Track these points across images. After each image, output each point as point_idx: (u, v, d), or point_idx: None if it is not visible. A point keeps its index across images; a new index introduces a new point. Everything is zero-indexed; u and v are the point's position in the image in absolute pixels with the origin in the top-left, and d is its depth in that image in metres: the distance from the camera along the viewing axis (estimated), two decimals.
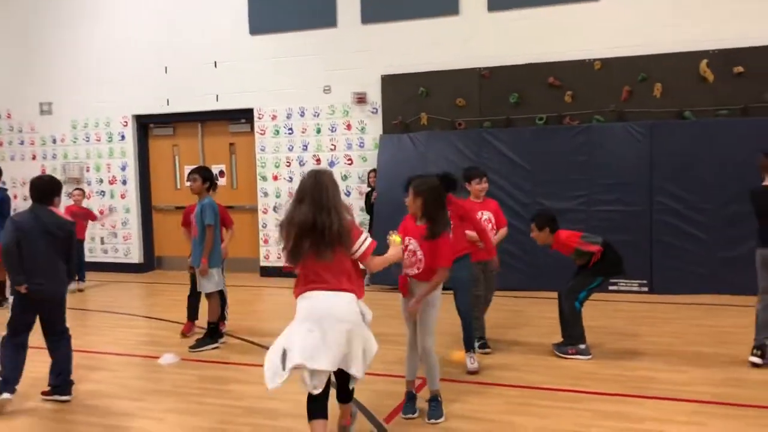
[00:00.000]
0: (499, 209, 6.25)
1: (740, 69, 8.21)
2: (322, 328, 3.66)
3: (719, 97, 8.32)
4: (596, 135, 8.67)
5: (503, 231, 6.22)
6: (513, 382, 5.15)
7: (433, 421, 4.43)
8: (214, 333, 6.46)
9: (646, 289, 8.36)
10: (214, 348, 6.35)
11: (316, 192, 3.74)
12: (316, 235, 3.69)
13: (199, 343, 6.36)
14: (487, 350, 5.97)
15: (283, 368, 3.66)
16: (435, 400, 4.54)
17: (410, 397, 4.64)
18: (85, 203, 10.34)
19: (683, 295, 8.05)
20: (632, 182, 8.47)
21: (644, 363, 5.51)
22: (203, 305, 6.65)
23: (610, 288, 8.42)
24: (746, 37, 8.19)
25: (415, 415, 4.54)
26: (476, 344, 5.76)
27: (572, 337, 5.93)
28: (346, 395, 4.11)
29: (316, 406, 3.79)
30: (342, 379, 3.99)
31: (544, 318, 6.93)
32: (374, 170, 9.59)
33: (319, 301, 3.75)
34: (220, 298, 6.59)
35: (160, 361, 5.96)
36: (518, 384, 5.10)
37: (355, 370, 3.80)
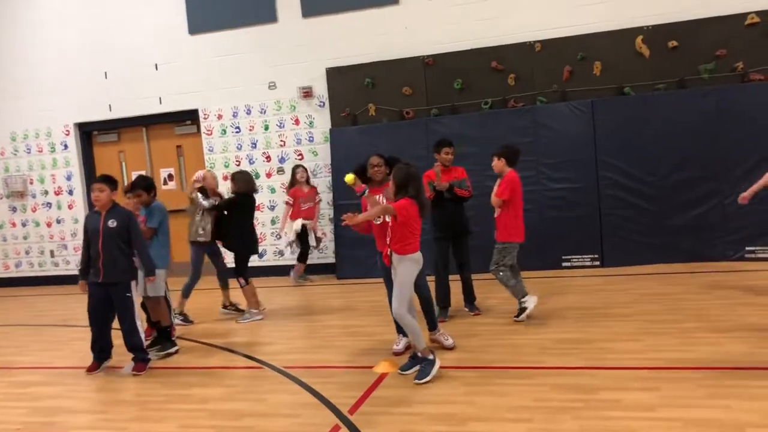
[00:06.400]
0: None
1: (674, 43, 8.44)
2: None
3: (656, 71, 8.55)
4: (541, 116, 8.82)
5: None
6: (470, 363, 5.22)
7: (416, 381, 4.83)
8: (168, 335, 6.40)
9: (597, 263, 8.56)
10: (175, 351, 6.29)
11: None
12: None
13: (160, 348, 6.28)
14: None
15: None
16: (421, 360, 4.95)
17: (412, 356, 5.10)
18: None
19: (634, 266, 8.28)
20: (578, 159, 8.65)
21: (598, 335, 5.65)
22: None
23: (563, 264, 8.62)
24: (678, 12, 8.42)
25: (410, 371, 5.01)
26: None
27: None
28: None
29: None
30: None
31: (493, 299, 7.08)
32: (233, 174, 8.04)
33: None
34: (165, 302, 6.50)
35: (122, 371, 5.89)
36: (476, 365, 5.17)
37: None
